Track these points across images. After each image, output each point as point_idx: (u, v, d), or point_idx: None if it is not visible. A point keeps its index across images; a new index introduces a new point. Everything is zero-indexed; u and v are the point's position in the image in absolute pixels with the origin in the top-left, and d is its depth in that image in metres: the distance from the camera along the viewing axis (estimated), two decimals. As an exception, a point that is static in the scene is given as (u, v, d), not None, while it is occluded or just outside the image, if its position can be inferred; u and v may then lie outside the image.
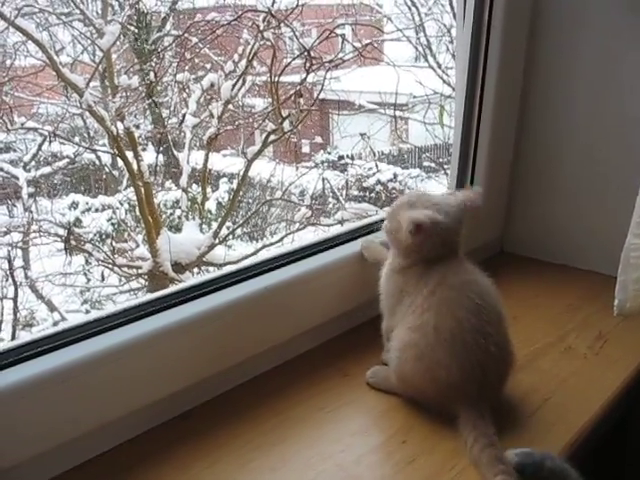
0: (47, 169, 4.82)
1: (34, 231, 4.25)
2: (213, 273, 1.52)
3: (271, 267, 1.37)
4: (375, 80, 5.01)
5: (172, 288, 1.25)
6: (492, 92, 1.74)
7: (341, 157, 5.84)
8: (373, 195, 5.53)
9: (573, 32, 1.70)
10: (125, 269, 4.05)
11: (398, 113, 5.07)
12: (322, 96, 4.37)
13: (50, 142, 4.13)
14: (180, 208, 4.55)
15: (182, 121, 4.10)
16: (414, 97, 5.47)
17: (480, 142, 1.79)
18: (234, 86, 3.87)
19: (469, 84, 1.76)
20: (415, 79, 4.81)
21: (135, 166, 3.87)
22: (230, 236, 4.22)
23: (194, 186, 4.61)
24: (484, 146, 1.79)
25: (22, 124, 4.31)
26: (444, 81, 5.07)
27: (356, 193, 5.56)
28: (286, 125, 3.94)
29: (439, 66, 5.18)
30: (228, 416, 1.20)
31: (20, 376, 1.03)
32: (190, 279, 3.80)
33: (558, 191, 1.82)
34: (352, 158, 5.78)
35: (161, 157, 4.58)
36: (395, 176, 5.66)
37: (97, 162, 5.07)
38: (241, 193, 4.70)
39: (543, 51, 1.75)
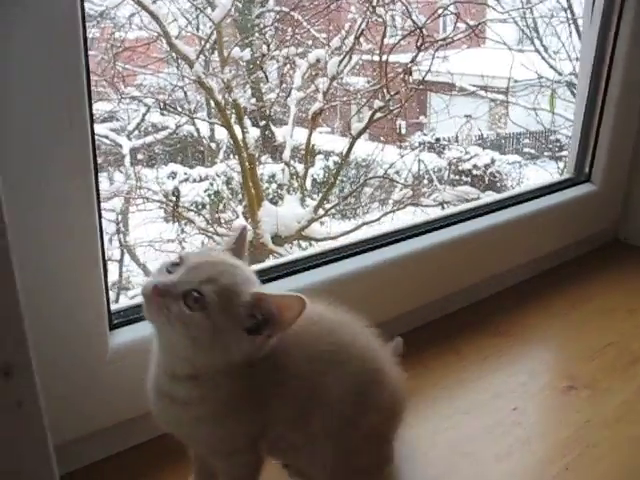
0: (149, 138, 4.93)
1: (134, 198, 4.36)
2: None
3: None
4: (477, 62, 4.92)
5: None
6: (619, 79, 1.70)
7: (438, 139, 5.78)
8: (469, 179, 5.45)
9: None
10: (226, 238, 4.10)
11: (500, 97, 4.97)
12: (422, 77, 4.30)
13: (162, 109, 4.22)
14: (277, 182, 4.59)
15: (288, 95, 4.13)
16: (516, 81, 5.34)
17: (602, 130, 1.75)
18: (340, 62, 3.87)
19: (594, 70, 1.72)
20: (519, 62, 4.69)
21: (240, 137, 3.92)
22: (327, 212, 4.23)
23: (291, 161, 4.64)
24: (606, 135, 1.75)
25: (128, 94, 4.42)
26: (550, 65, 4.93)
27: (452, 176, 5.50)
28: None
29: (545, 50, 5.03)
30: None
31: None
32: (293, 253, 3.82)
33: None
34: (449, 141, 5.72)
35: (259, 131, 4.63)
36: (493, 161, 5.57)
37: (195, 134, 5.16)
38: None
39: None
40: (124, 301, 2.03)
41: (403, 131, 5.40)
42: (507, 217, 1.60)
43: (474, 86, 5.13)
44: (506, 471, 1.06)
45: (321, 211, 4.07)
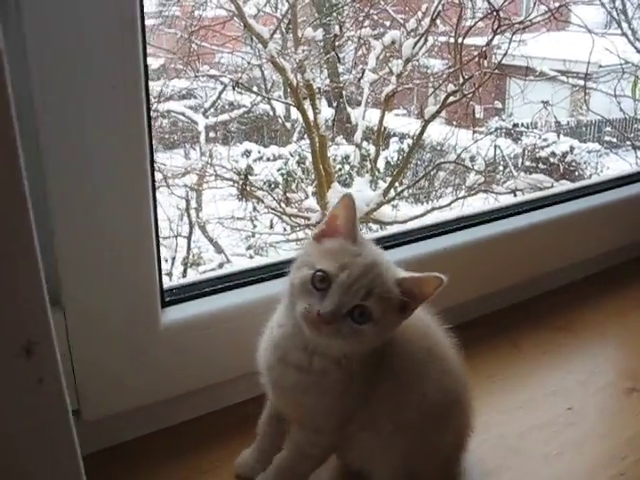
0: (224, 117, 4.97)
1: (209, 175, 4.41)
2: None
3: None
4: (559, 46, 4.76)
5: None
6: None
7: (515, 125, 5.64)
8: (545, 167, 5.31)
9: None
10: (294, 219, 4.11)
11: (581, 82, 4.80)
12: (498, 60, 4.19)
13: (235, 88, 4.24)
14: (349, 164, 4.57)
15: (361, 76, 4.09)
16: (600, 66, 5.15)
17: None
18: (416, 44, 3.81)
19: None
20: (603, 47, 4.51)
21: (312, 118, 3.91)
22: (396, 196, 4.19)
23: (364, 143, 4.60)
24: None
25: (205, 72, 4.47)
26: (637, 50, 4.72)
27: (527, 163, 5.36)
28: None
29: (633, 33, 4.82)
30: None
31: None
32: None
33: None
34: (527, 127, 5.57)
35: (333, 112, 4.61)
36: (572, 149, 5.40)
37: (271, 113, 5.17)
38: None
39: None
40: (176, 279, 2.07)
41: (479, 115, 5.29)
42: (575, 208, 1.55)
43: (554, 71, 4.98)
44: (555, 472, 1.02)
45: (392, 194, 4.03)
